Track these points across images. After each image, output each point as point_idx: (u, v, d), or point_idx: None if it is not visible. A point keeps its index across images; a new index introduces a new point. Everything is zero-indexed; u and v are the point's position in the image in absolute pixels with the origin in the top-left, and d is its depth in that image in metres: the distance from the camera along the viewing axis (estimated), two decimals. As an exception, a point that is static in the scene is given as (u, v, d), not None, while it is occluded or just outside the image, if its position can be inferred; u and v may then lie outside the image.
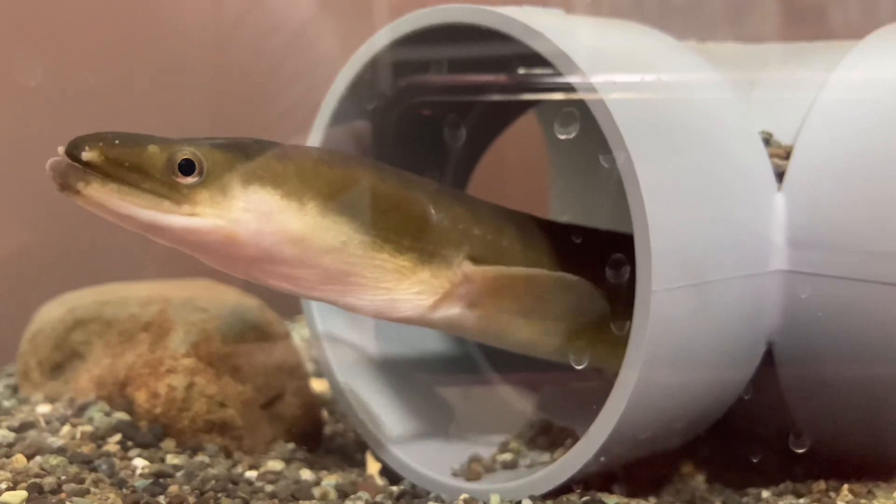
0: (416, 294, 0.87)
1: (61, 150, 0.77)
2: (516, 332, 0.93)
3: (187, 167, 0.78)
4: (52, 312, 1.12)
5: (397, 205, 0.88)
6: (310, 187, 0.82)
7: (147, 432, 0.98)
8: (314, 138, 1.02)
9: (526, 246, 0.94)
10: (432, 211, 0.89)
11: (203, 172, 0.79)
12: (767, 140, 0.94)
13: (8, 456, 0.91)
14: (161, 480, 0.89)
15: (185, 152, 0.78)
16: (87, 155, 0.76)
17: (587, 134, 0.88)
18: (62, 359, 1.10)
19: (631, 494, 0.92)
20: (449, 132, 1.11)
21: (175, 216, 0.78)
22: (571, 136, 0.89)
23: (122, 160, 0.77)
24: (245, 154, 0.81)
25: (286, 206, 0.81)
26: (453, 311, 0.90)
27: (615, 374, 0.84)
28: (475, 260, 0.90)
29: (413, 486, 0.97)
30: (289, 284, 0.85)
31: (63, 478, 0.86)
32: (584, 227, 1.07)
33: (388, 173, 0.90)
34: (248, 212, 0.80)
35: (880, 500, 0.88)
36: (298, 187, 0.81)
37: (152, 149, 0.78)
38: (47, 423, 1.00)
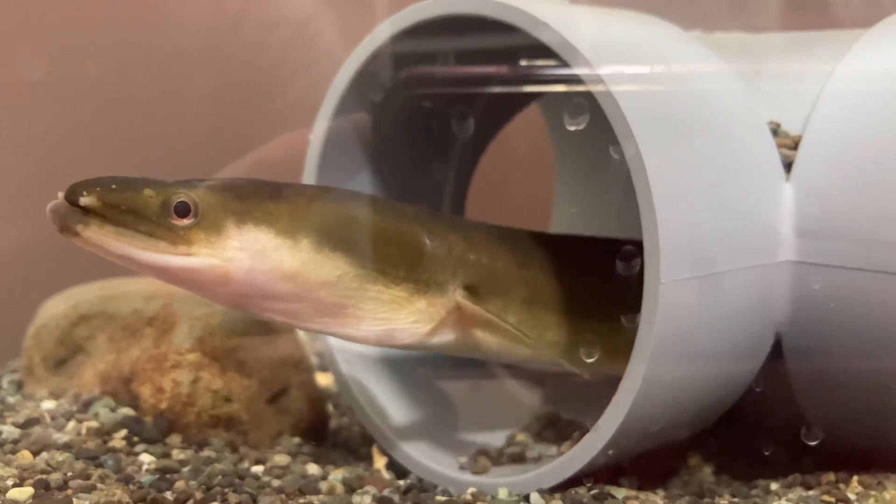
0: (413, 323, 0.88)
1: (61, 194, 0.78)
2: (516, 350, 0.94)
3: (182, 209, 0.80)
4: (55, 308, 1.12)
5: (391, 237, 0.89)
6: (303, 224, 0.83)
7: (153, 427, 0.98)
8: (318, 131, 1.02)
9: (522, 265, 0.94)
10: (426, 241, 0.90)
11: (198, 214, 0.80)
12: (775, 130, 0.93)
13: (14, 452, 0.90)
14: (167, 476, 0.88)
15: (181, 195, 0.80)
16: (84, 200, 0.78)
17: (592, 124, 0.88)
18: (66, 354, 1.10)
19: (639, 487, 0.92)
20: (453, 124, 1.11)
21: (171, 256, 0.80)
22: (581, 126, 0.88)
23: (119, 204, 0.78)
24: (239, 194, 0.83)
25: (280, 244, 0.82)
26: (450, 336, 0.91)
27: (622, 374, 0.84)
28: (471, 285, 0.91)
29: (420, 480, 0.97)
30: (286, 318, 0.86)
31: (69, 474, 0.86)
32: (582, 238, 1.07)
33: (381, 206, 0.92)
34: (243, 250, 0.81)
35: (890, 491, 0.87)
36: (292, 225, 0.83)
37: (148, 192, 0.80)
38: (52, 418, 1.00)
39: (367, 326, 0.87)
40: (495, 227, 0.98)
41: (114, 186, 0.79)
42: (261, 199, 0.83)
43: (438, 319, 0.89)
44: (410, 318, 0.88)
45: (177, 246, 0.80)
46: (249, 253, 0.81)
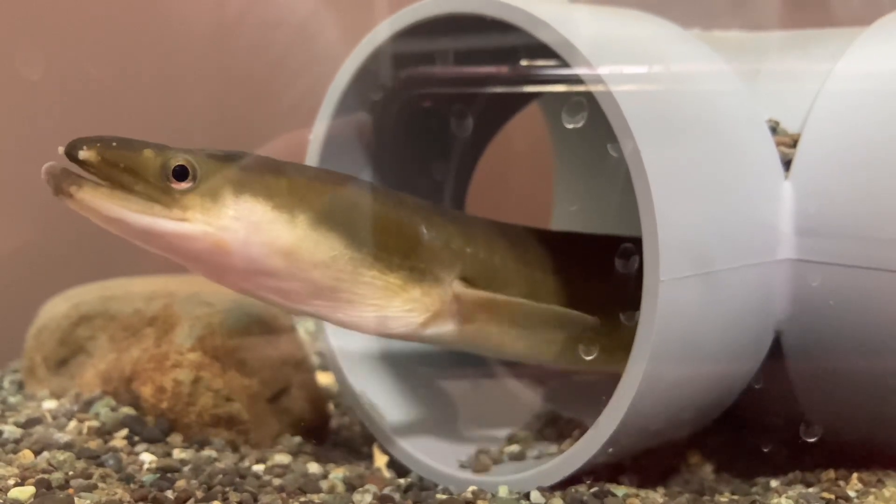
0: (406, 312, 0.88)
1: (61, 150, 0.78)
2: (512, 345, 0.94)
3: (181, 173, 0.79)
4: (56, 308, 1.12)
5: (389, 223, 0.88)
6: (301, 201, 0.82)
7: (154, 427, 0.98)
8: (318, 130, 1.02)
9: (519, 261, 0.94)
10: (424, 230, 0.89)
11: (196, 179, 0.79)
12: (774, 128, 0.93)
13: (15, 452, 0.90)
14: (168, 475, 0.88)
15: (180, 158, 0.79)
16: (84, 154, 0.77)
17: (591, 122, 0.88)
18: (67, 354, 1.10)
19: (639, 485, 0.92)
20: (453, 123, 1.11)
21: (165, 220, 0.79)
22: (579, 125, 0.89)
23: (118, 162, 0.78)
24: (239, 165, 0.82)
25: (276, 218, 0.81)
26: (445, 328, 0.90)
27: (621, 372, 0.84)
28: (468, 278, 0.90)
29: (421, 479, 0.97)
30: (279, 298, 0.85)
31: (70, 473, 0.86)
32: (581, 235, 1.07)
33: (381, 192, 0.91)
34: (238, 220, 0.80)
35: (890, 488, 0.87)
36: (290, 200, 0.82)
37: (148, 153, 0.79)
38: (54, 418, 1.00)
39: (361, 312, 0.86)
40: (494, 223, 0.98)
41: (114, 144, 0.78)
42: (261, 171, 0.82)
43: (433, 310, 0.89)
44: (405, 306, 0.87)
45: (171, 210, 0.79)
46: (245, 224, 0.80)
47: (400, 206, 0.91)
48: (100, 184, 0.78)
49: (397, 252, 0.87)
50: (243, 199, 0.80)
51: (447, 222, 0.92)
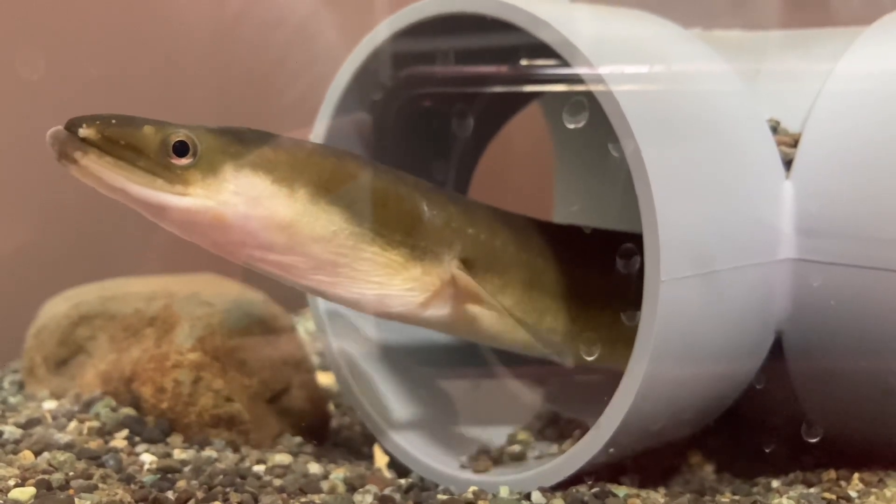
0: (406, 290, 0.88)
1: (59, 127, 0.78)
2: (511, 334, 0.93)
3: (181, 149, 0.80)
4: (56, 308, 1.12)
5: (390, 199, 0.88)
6: (301, 175, 0.83)
7: (154, 427, 0.98)
8: (318, 130, 1.02)
9: (521, 248, 0.94)
10: (425, 208, 0.89)
11: (196, 154, 0.80)
12: (775, 128, 0.93)
13: (15, 452, 0.90)
14: (169, 476, 0.88)
15: (180, 134, 0.80)
16: (84, 132, 0.77)
17: (592, 122, 0.88)
18: (67, 354, 1.10)
19: (640, 485, 0.92)
20: (453, 123, 1.11)
21: (167, 194, 0.79)
22: (580, 125, 0.88)
23: (118, 139, 0.78)
24: (239, 140, 0.82)
25: (276, 192, 0.81)
26: (445, 310, 0.90)
27: (623, 369, 0.84)
28: (468, 260, 0.90)
29: (421, 479, 0.97)
30: (279, 271, 0.85)
31: (71, 474, 0.86)
32: (583, 228, 1.06)
33: (383, 169, 0.91)
34: (238, 195, 0.80)
35: (891, 488, 0.87)
36: (289, 174, 0.82)
37: (147, 129, 0.79)
38: (54, 418, 1.00)
39: (360, 289, 0.86)
40: (496, 208, 0.97)
41: (114, 121, 0.79)
42: (261, 146, 0.83)
43: (433, 290, 0.88)
44: (405, 285, 0.87)
45: (173, 185, 0.79)
46: (245, 198, 0.80)
47: (401, 183, 0.90)
48: (105, 153, 0.78)
49: (399, 229, 0.87)
50: (243, 173, 0.81)
51: (449, 202, 0.92)
